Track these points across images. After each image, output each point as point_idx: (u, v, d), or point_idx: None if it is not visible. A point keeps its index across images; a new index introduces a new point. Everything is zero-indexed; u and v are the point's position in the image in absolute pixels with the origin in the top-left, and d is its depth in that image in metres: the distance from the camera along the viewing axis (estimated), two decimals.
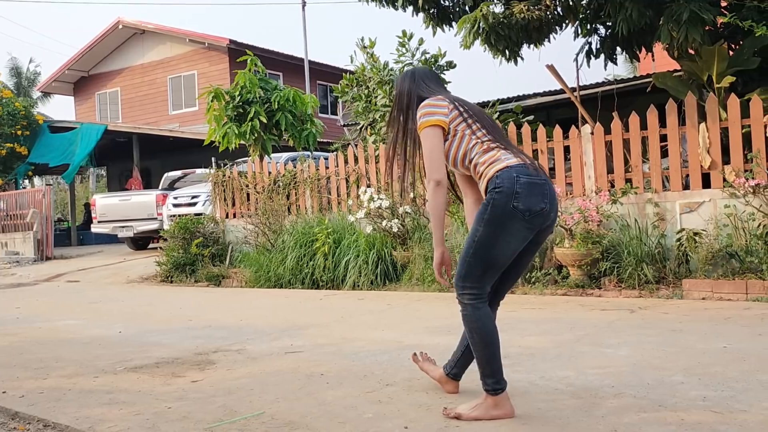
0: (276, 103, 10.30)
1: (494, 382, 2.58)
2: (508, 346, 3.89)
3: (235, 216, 10.20)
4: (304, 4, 21.32)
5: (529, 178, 2.53)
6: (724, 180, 6.11)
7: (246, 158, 11.30)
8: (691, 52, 7.26)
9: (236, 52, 17.67)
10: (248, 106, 10.35)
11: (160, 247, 10.14)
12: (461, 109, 2.71)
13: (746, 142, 6.18)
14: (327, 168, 9.26)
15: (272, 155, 10.80)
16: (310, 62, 21.17)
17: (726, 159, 6.24)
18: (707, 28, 7.35)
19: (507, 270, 2.69)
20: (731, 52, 7.48)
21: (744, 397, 2.72)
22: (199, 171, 13.73)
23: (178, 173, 14.70)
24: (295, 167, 9.59)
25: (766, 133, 6.02)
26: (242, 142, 10.43)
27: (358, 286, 7.46)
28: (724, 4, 7.77)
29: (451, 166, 2.77)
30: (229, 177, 10.24)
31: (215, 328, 5.27)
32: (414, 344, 4.14)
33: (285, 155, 11.92)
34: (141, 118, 22.21)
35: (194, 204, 11.87)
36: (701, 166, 6.30)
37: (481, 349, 2.60)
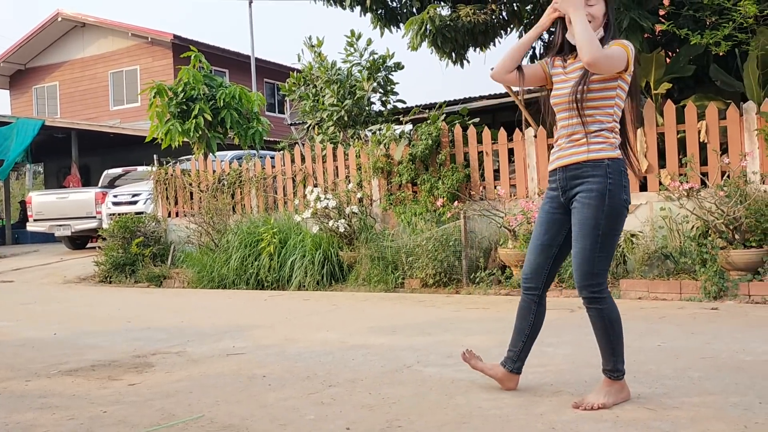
0: (221, 101, 10.12)
1: (623, 366, 2.69)
2: (452, 345, 3.93)
3: (177, 215, 9.99)
4: (251, 1, 21.06)
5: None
6: (660, 183, 6.31)
7: (190, 156, 11.07)
8: None
9: (180, 47, 17.27)
10: (192, 103, 10.15)
11: (99, 247, 9.85)
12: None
13: (681, 146, 6.39)
14: (273, 167, 9.17)
15: (217, 153, 10.61)
16: (257, 60, 20.92)
17: (662, 163, 6.45)
18: (646, 35, 7.60)
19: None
20: (668, 60, 7.74)
21: (676, 393, 2.81)
22: (140, 169, 13.40)
23: (118, 171, 14.32)
24: (240, 166, 9.45)
25: (699, 138, 6.25)
26: (186, 139, 10.22)
27: (304, 286, 7.40)
28: (662, 13, 8.03)
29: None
30: (172, 175, 10.02)
31: (155, 329, 5.14)
32: (359, 344, 4.14)
33: (230, 153, 11.74)
34: (80, 113, 21.52)
35: (135, 202, 11.59)
36: (639, 169, 6.49)
37: (619, 336, 2.68)
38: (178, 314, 5.98)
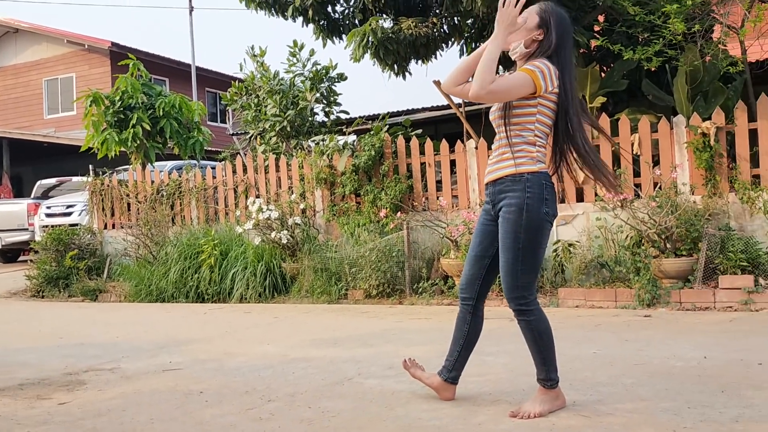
0: (161, 110, 9.91)
1: (557, 375, 2.73)
2: (394, 356, 3.92)
3: (114, 227, 9.70)
4: (191, 10, 20.76)
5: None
6: (596, 194, 6.48)
7: (127, 166, 10.79)
8: None
9: (119, 55, 16.87)
10: (130, 111, 9.91)
11: (31, 260, 9.48)
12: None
13: (616, 158, 6.59)
14: (214, 177, 9.01)
15: (156, 164, 10.38)
16: (199, 69, 20.61)
17: (637, 171, 6.59)
18: (582, 50, 7.83)
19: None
20: (603, 74, 7.99)
21: (610, 400, 2.87)
22: (75, 179, 12.98)
23: (52, 181, 13.84)
24: (180, 176, 9.26)
25: (633, 150, 6.45)
26: (123, 149, 9.96)
27: (246, 299, 7.28)
28: (597, 29, 8.30)
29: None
30: (109, 186, 9.74)
31: (88, 345, 4.96)
32: (299, 357, 4.09)
33: (170, 164, 11.49)
34: (13, 122, 20.71)
35: (69, 214, 11.22)
36: (575, 180, 6.64)
37: (549, 347, 2.72)
38: (113, 329, 5.79)
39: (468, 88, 2.74)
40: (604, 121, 6.57)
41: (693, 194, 6.12)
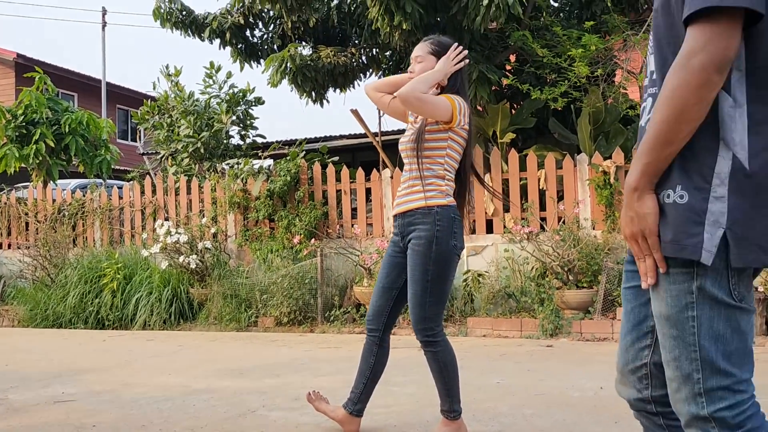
0: (66, 126, 9.50)
1: (460, 406, 2.77)
2: (300, 387, 3.87)
3: (10, 247, 9.16)
4: (104, 25, 20.14)
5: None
6: (504, 226, 6.69)
7: (27, 183, 10.25)
8: (480, 108, 7.94)
9: (24, 67, 16.07)
10: (33, 127, 9.44)
11: None
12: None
13: (524, 192, 6.84)
14: (121, 198, 8.69)
15: (59, 182, 9.91)
16: (110, 85, 19.96)
17: (506, 207, 6.85)
18: (494, 88, 8.12)
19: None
20: (513, 111, 8.31)
21: (510, 431, 2.93)
22: None
23: None
24: (84, 195, 8.87)
25: (540, 185, 6.72)
26: (24, 165, 9.46)
27: (149, 325, 7.01)
28: (508, 68, 8.64)
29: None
30: (6, 203, 9.20)
31: None
32: (202, 388, 3.97)
33: (74, 182, 10.99)
34: None
35: None
36: (486, 212, 6.85)
37: (454, 378, 2.76)
38: (1, 357, 5.42)
39: (386, 100, 2.90)
40: (513, 156, 6.81)
41: (594, 229, 6.41)
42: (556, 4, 8.50)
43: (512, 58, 8.37)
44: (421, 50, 2.84)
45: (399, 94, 2.67)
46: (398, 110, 2.97)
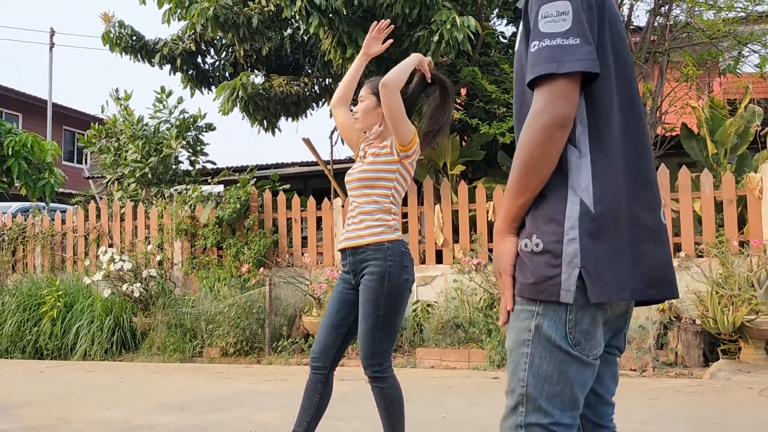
0: (9, 149, 9.22)
1: None
2: (244, 422, 3.80)
3: None
4: (51, 46, 19.73)
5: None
6: (454, 257, 6.76)
7: None
8: None
9: None
10: None
11: None
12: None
13: (473, 223, 6.93)
14: (64, 223, 8.45)
15: None
16: (57, 106, 19.49)
17: (456, 238, 6.93)
18: None
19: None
20: (463, 144, 8.45)
21: None
22: None
23: None
24: (26, 220, 8.60)
25: (488, 217, 6.83)
26: None
27: (90, 355, 6.80)
28: (458, 101, 8.80)
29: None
30: None
31: None
32: (142, 424, 3.86)
33: (15, 205, 10.65)
34: None
35: None
36: (436, 243, 6.92)
37: (400, 415, 2.76)
38: None
39: (341, 111, 3.01)
40: (463, 188, 6.92)
41: None
42: (505, 41, 8.73)
43: (463, 92, 8.53)
44: (363, 91, 2.92)
45: (385, 79, 2.65)
46: (351, 131, 2.99)
